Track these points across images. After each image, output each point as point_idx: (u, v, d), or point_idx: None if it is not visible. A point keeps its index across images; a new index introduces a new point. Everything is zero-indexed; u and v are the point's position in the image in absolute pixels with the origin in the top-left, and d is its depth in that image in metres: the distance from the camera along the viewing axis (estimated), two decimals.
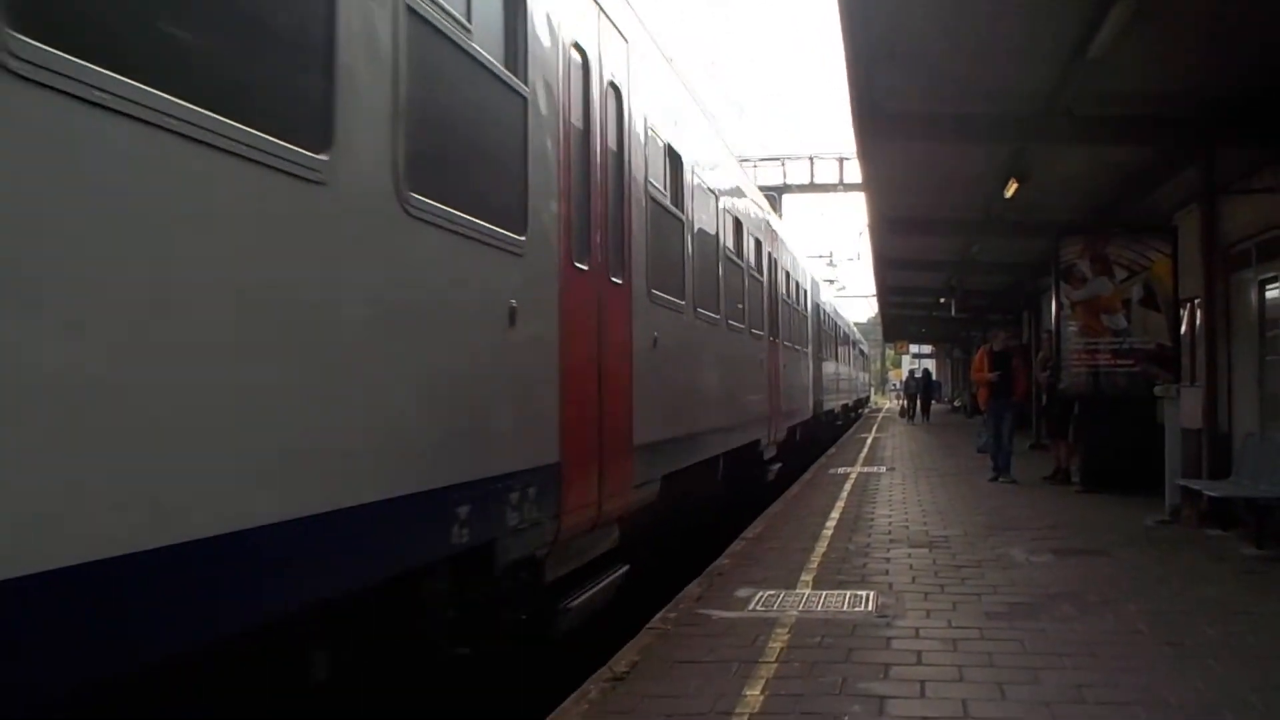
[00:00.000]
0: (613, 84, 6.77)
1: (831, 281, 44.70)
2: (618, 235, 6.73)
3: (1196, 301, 13.33)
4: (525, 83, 5.05)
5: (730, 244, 11.22)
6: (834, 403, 25.24)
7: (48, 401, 2.26)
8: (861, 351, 46.40)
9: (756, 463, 13.56)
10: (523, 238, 4.91)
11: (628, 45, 7.17)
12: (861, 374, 46.20)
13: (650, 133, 7.70)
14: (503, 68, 4.83)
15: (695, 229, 9.28)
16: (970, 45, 9.67)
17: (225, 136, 2.77)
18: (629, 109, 7.09)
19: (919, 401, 37.89)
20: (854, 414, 34.69)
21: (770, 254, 14.40)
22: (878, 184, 15.25)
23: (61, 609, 2.32)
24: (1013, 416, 15.00)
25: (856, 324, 54.85)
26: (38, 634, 2.28)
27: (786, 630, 6.14)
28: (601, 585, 6.25)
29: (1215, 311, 12.03)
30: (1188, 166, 13.01)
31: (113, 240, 2.46)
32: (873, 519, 11.05)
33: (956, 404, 46.89)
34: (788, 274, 16.54)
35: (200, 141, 2.68)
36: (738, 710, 4.68)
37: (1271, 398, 11.60)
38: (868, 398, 54.65)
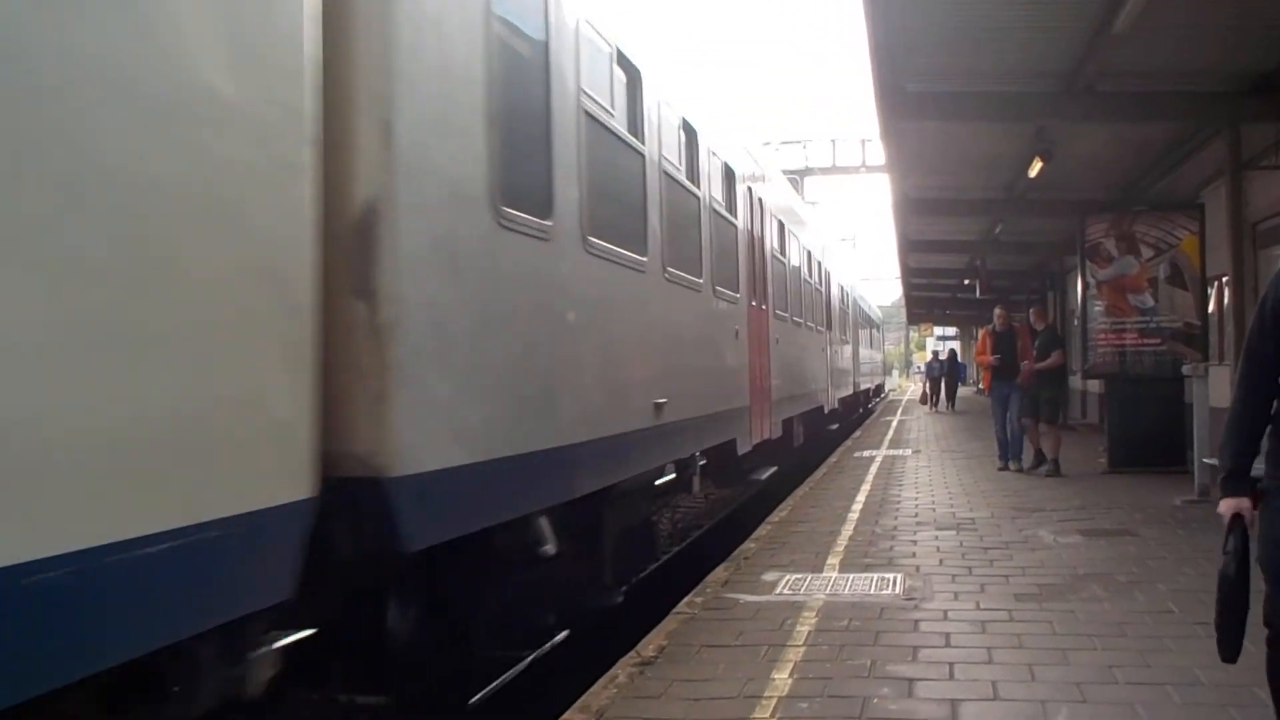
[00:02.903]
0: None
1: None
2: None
3: (1224, 279, 13.21)
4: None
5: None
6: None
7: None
8: (868, 317, 36.57)
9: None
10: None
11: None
12: (870, 352, 37.01)
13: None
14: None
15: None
16: (993, 24, 9.59)
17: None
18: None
19: (944, 387, 34.31)
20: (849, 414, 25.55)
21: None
22: (901, 165, 15.17)
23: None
24: (1019, 400, 13.51)
25: (880, 306, 54.27)
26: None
27: (814, 614, 6.15)
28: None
29: (1244, 289, 11.91)
30: (1214, 142, 12.90)
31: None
32: (899, 501, 11.03)
33: (980, 388, 46.15)
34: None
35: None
36: (766, 694, 4.69)
37: None
38: (880, 386, 45.21)
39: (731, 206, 9.90)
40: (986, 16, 9.43)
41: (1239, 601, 3.36)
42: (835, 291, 21.83)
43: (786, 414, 13.03)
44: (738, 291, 9.89)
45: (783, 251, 13.49)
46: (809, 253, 16.78)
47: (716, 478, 10.92)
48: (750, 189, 11.02)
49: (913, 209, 18.66)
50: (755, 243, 11.26)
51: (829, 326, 19.67)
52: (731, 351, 9.62)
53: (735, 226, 10.02)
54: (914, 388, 61.32)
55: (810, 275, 16.88)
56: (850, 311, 26.24)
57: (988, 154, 14.76)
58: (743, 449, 9.86)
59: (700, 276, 8.32)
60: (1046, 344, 13.39)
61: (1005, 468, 13.73)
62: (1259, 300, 3.48)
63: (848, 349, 24.72)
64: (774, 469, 12.07)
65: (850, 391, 24.90)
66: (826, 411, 18.91)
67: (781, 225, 13.45)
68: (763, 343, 11.30)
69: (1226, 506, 3.48)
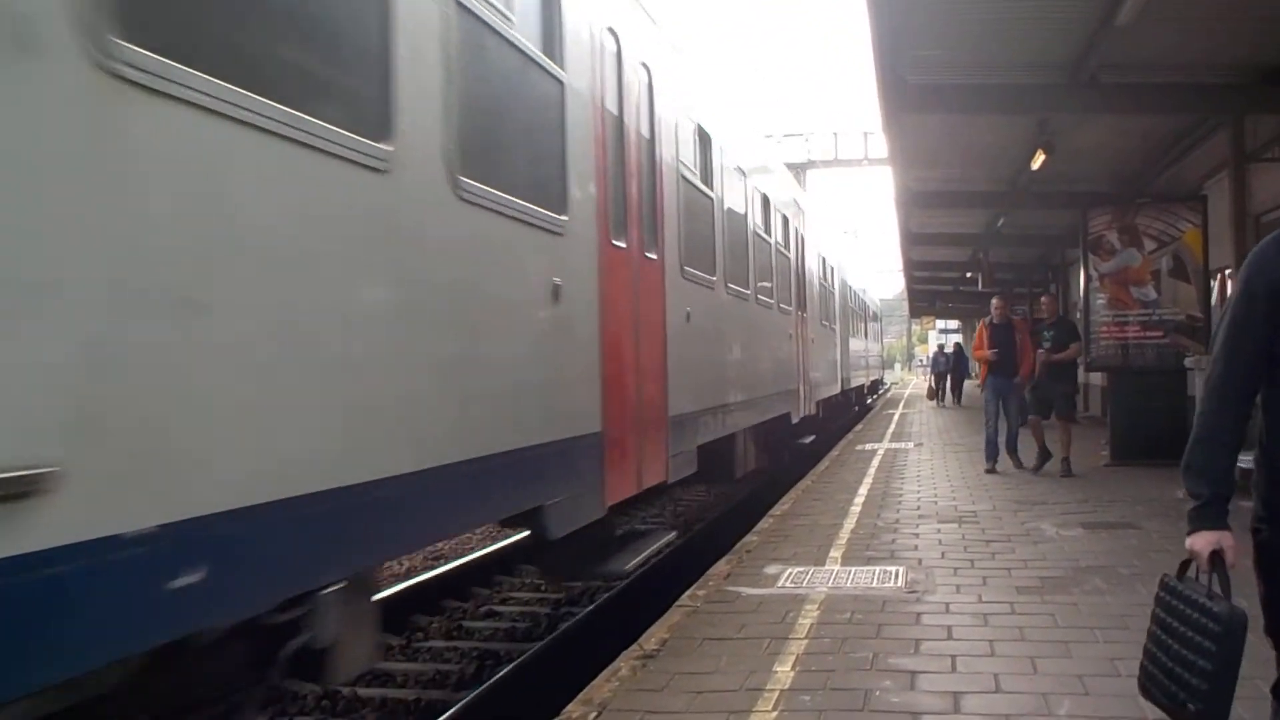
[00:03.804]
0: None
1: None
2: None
3: (1227, 272, 13.18)
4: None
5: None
6: None
7: None
8: (863, 303, 31.80)
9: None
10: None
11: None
12: (865, 343, 31.21)
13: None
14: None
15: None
16: (996, 15, 9.57)
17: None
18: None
19: (949, 380, 32.21)
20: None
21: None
22: (903, 158, 15.15)
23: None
24: (1017, 397, 12.91)
25: (883, 300, 54.13)
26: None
27: (816, 606, 6.14)
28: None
29: None
30: (1217, 134, 12.88)
31: None
32: (901, 494, 11.02)
33: (979, 383, 45.57)
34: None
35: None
36: (768, 687, 4.69)
37: None
38: (876, 383, 40.99)
39: (552, 46, 5.30)
40: (989, 8, 9.40)
41: (1239, 656, 2.57)
42: (814, 264, 17.18)
43: (713, 435, 8.71)
44: (563, 212, 5.33)
45: (709, 180, 8.98)
46: (767, 199, 12.16)
47: (548, 567, 6.99)
48: (617, 38, 6.38)
49: (915, 202, 18.64)
50: (629, 139, 6.61)
51: (803, 307, 15.14)
52: (532, 332, 5.08)
53: (560, 84, 5.37)
54: (916, 381, 61.20)
55: (770, 233, 12.32)
56: (838, 292, 21.86)
57: (990, 146, 14.73)
58: (567, 525, 5.35)
59: (387, 139, 3.68)
60: (1063, 335, 12.68)
61: (993, 469, 12.87)
62: (1241, 282, 2.73)
63: (833, 337, 20.29)
64: (667, 538, 7.76)
65: (837, 390, 20.68)
66: (796, 420, 14.05)
67: (705, 137, 8.88)
68: (650, 317, 6.92)
69: (1204, 542, 2.70)
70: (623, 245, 6.36)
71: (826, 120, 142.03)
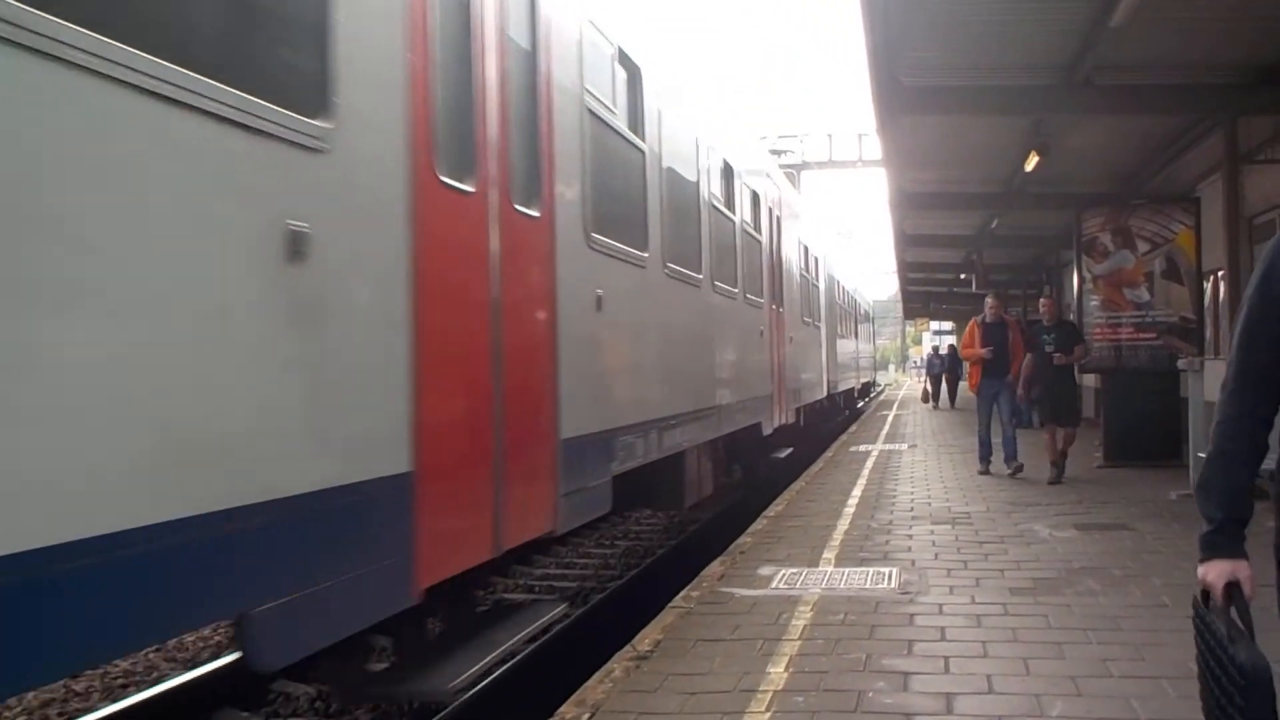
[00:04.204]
0: None
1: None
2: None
3: (1220, 273, 13.21)
4: None
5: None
6: None
7: None
8: (853, 300, 29.64)
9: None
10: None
11: None
12: (855, 344, 29.50)
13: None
14: None
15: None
16: (990, 17, 9.58)
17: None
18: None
19: (945, 383, 31.29)
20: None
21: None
22: (897, 159, 15.14)
23: None
24: (1009, 397, 12.48)
25: (877, 301, 54.01)
26: None
27: (810, 608, 6.15)
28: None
29: (1240, 284, 11.92)
30: (1211, 136, 12.89)
31: None
32: (895, 496, 11.02)
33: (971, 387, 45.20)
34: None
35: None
36: (762, 688, 4.69)
37: None
38: (868, 385, 39.46)
39: None
40: (984, 10, 9.41)
41: (1272, 714, 2.24)
42: (794, 252, 15.22)
43: (641, 458, 6.74)
44: (322, 116, 3.35)
45: (638, 126, 7.00)
46: (729, 167, 10.19)
47: (331, 677, 4.66)
48: None
49: (910, 204, 18.63)
50: (485, 35, 4.51)
51: (779, 301, 13.36)
52: (227, 313, 2.91)
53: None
54: (910, 383, 61.15)
55: (734, 209, 10.31)
56: (824, 287, 20.06)
57: (986, 148, 14.74)
58: (307, 641, 3.29)
59: None
60: (1065, 339, 12.26)
61: (987, 471, 12.73)
62: (1257, 276, 2.38)
63: (818, 336, 18.53)
64: (549, 616, 5.42)
65: (822, 395, 19.00)
66: (769, 431, 12.27)
67: (633, 70, 6.88)
68: (528, 299, 4.99)
69: (1217, 573, 2.37)
70: (466, 188, 4.32)
71: (821, 121, 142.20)
